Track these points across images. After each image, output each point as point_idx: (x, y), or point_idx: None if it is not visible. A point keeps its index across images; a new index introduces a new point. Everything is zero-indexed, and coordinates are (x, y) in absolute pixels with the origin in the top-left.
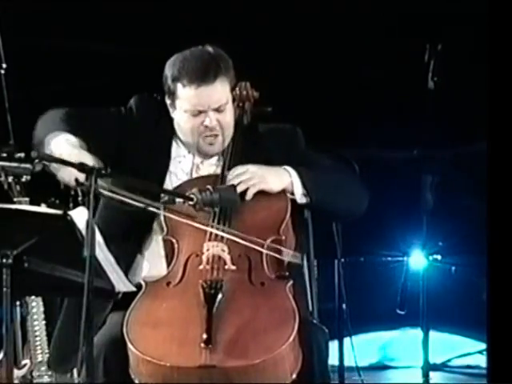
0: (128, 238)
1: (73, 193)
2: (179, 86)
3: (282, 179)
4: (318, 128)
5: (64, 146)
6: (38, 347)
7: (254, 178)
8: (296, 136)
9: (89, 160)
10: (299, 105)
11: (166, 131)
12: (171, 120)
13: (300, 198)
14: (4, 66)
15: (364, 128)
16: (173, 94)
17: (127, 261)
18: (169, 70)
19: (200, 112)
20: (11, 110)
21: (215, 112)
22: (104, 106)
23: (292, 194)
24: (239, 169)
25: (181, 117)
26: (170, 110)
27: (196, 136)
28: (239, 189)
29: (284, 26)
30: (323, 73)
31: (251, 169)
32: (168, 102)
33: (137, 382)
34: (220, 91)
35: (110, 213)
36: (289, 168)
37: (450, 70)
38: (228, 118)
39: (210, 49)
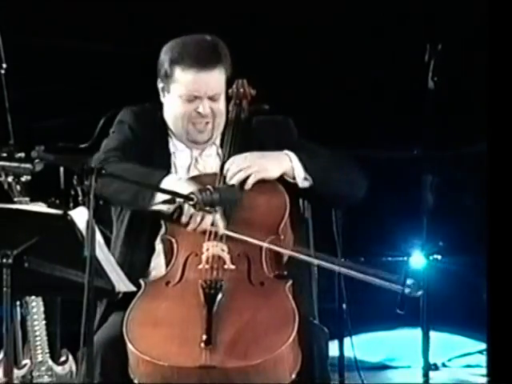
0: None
1: (73, 193)
2: (178, 69)
3: (282, 164)
4: (317, 128)
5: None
6: (38, 347)
7: (253, 166)
8: (288, 126)
9: None
10: (299, 105)
11: (162, 132)
12: (164, 121)
13: (302, 181)
14: (4, 65)
15: (364, 128)
16: (168, 78)
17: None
18: (166, 53)
19: (195, 98)
20: (11, 110)
21: (209, 100)
22: (103, 105)
23: (293, 178)
24: (238, 157)
25: (174, 101)
26: (161, 94)
27: (186, 122)
28: (238, 177)
29: (284, 25)
30: (323, 73)
31: (250, 157)
32: (160, 85)
33: (136, 382)
34: (217, 79)
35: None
36: (289, 152)
37: (449, 70)
38: (221, 106)
39: (208, 37)
